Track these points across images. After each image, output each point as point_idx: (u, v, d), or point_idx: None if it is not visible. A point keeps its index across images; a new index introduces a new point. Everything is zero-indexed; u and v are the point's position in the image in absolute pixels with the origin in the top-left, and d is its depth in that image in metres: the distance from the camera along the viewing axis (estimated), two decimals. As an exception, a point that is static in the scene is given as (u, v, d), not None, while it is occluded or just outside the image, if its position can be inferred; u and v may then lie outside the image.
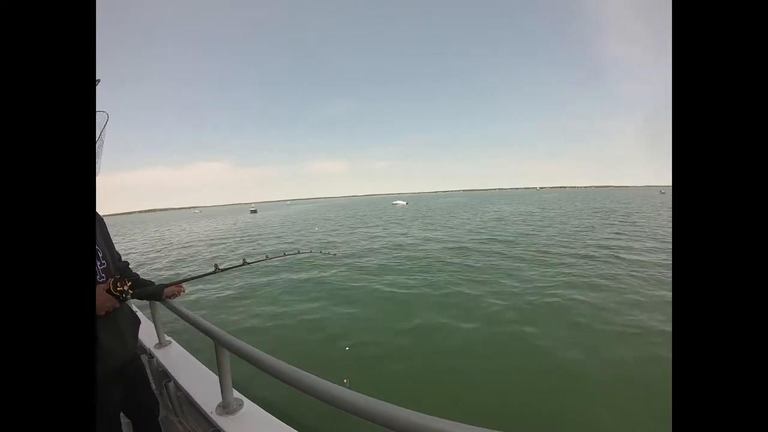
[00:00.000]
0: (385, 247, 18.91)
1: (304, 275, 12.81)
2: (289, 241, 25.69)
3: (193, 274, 2.44)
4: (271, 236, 29.56)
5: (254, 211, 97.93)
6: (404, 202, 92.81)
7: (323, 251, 3.68)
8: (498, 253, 16.07)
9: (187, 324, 2.12)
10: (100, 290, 1.58)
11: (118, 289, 1.62)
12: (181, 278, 2.34)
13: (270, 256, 2.70)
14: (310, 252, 3.18)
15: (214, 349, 1.84)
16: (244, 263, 2.41)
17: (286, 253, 2.83)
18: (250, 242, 26.95)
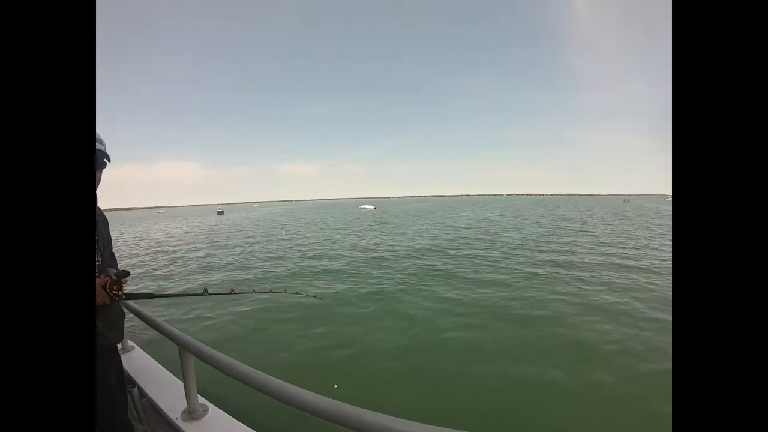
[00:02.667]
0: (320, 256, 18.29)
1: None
2: (254, 250, 22.08)
3: (183, 292, 2.43)
4: (231, 245, 25.13)
5: (221, 213, 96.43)
6: (372, 207, 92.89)
7: (309, 294, 3.60)
8: (432, 267, 14.75)
9: (150, 329, 2.10)
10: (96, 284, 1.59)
11: (113, 291, 1.64)
12: (170, 293, 2.34)
13: (257, 291, 2.70)
14: (296, 293, 3.14)
15: (178, 354, 1.82)
16: (232, 292, 2.41)
17: (273, 291, 2.83)
18: (202, 251, 22.65)
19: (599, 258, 16.20)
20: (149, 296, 2.07)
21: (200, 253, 21.26)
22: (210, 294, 2.32)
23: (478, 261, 15.68)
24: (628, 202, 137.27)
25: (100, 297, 1.62)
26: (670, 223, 38.60)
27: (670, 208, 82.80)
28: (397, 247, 20.38)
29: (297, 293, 3.21)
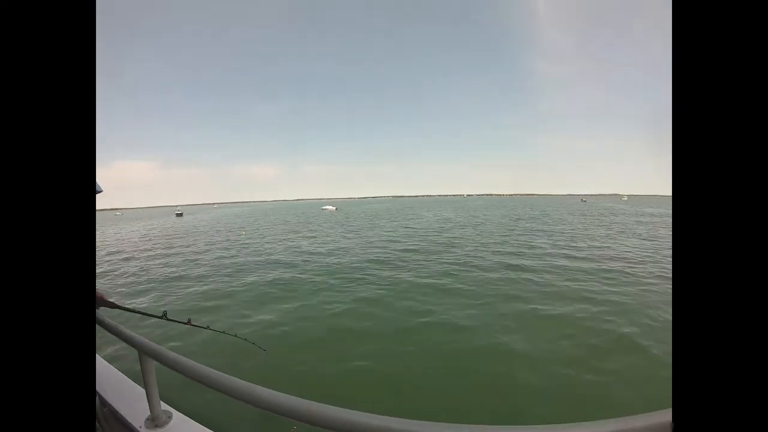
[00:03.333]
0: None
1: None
2: (217, 255, 20.93)
3: (140, 308, 2.42)
4: (190, 251, 23.33)
5: (180, 215, 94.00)
6: (334, 208, 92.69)
7: (250, 340, 3.23)
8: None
9: (108, 335, 2.05)
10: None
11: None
12: (125, 306, 2.33)
13: (212, 328, 2.67)
14: (235, 335, 2.95)
15: (138, 360, 1.76)
16: (189, 323, 2.41)
17: (226, 332, 2.80)
18: (160, 258, 21.00)
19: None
20: (111, 305, 2.05)
21: (158, 261, 19.94)
22: (168, 319, 2.40)
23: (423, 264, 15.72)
24: (585, 201, 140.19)
25: None
26: (619, 219, 39.73)
27: (623, 206, 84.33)
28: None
29: (245, 339, 3.07)
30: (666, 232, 26.48)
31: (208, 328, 2.65)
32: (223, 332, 2.78)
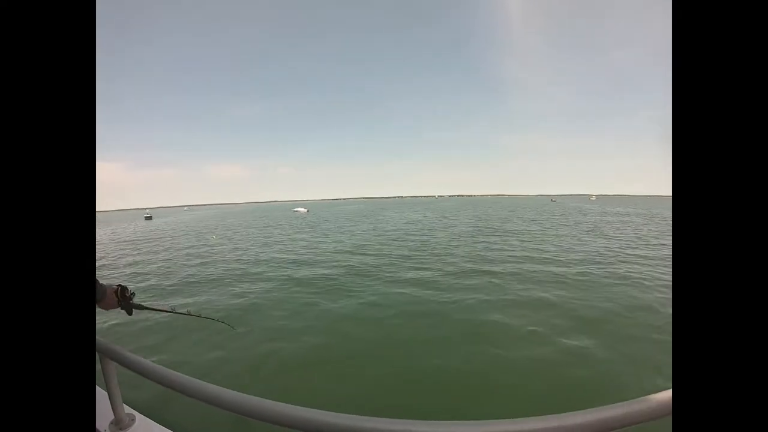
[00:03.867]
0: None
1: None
2: (185, 261, 18.59)
3: (149, 304, 2.37)
4: (159, 260, 19.86)
5: (149, 218, 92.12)
6: (305, 210, 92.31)
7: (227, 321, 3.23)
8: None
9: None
10: (110, 291, 1.75)
11: (126, 295, 1.71)
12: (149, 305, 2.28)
13: (193, 313, 2.63)
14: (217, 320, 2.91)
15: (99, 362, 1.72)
16: (173, 311, 2.38)
17: (202, 315, 2.76)
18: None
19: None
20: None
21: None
22: (192, 315, 2.43)
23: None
24: (555, 201, 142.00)
25: (112, 305, 1.78)
26: (585, 218, 40.03)
27: (591, 206, 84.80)
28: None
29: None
30: (612, 230, 27.10)
31: (188, 313, 2.61)
32: (199, 315, 2.72)
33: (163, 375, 1.32)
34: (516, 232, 25.87)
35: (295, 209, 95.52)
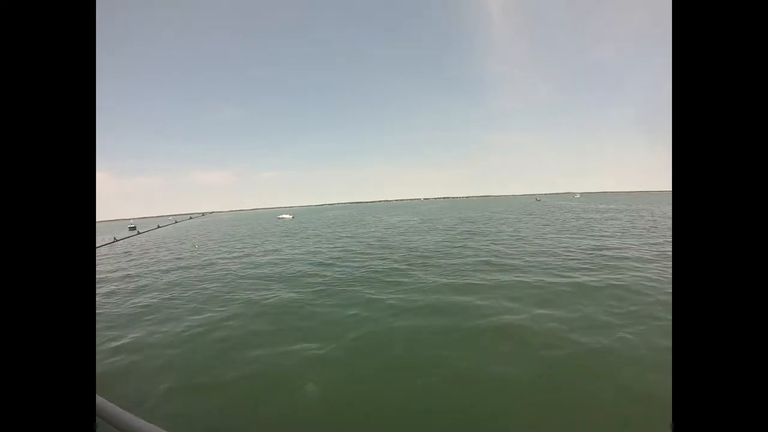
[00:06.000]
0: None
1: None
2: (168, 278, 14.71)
3: None
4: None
5: (133, 228, 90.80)
6: (290, 216, 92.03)
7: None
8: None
9: None
10: None
11: None
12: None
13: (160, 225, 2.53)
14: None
15: None
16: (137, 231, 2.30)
17: (177, 220, 2.67)
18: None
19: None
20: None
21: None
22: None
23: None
24: (539, 200, 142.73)
25: None
26: (569, 215, 39.90)
27: (575, 203, 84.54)
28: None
29: None
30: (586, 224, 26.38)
31: (157, 227, 2.52)
32: (175, 221, 2.59)
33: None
34: (491, 234, 24.74)
35: (281, 216, 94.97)
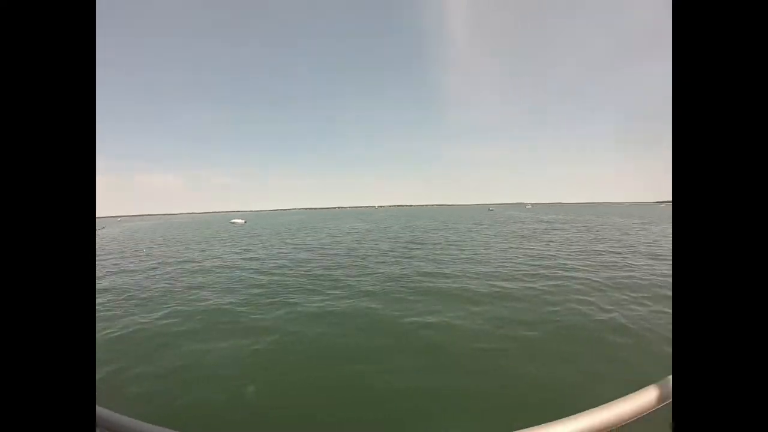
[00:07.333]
0: None
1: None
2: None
3: None
4: None
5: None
6: (243, 221, 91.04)
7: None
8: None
9: None
10: None
11: None
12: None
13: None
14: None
15: None
16: None
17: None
18: None
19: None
20: None
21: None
22: None
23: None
24: (492, 210, 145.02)
25: None
26: (515, 226, 40.94)
27: (527, 214, 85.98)
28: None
29: None
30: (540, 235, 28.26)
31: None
32: None
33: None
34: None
35: (233, 221, 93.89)
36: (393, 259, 18.28)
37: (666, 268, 14.49)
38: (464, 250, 21.52)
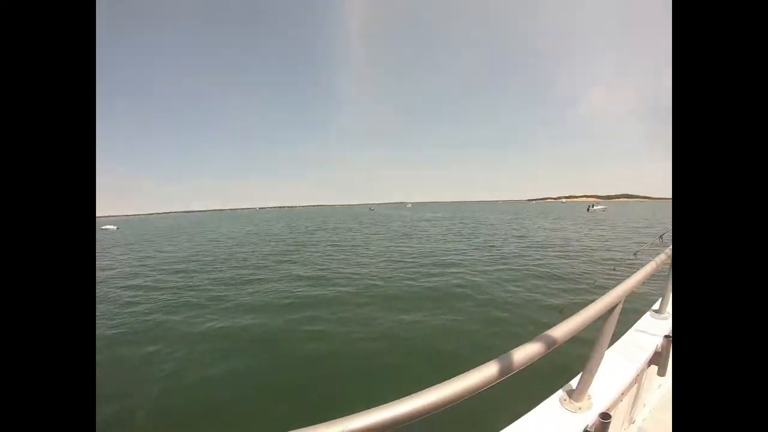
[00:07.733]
0: None
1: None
2: None
3: None
4: None
5: None
6: (114, 227, 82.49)
7: None
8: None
9: None
10: None
11: None
12: None
13: None
14: None
15: None
16: None
17: None
18: None
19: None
20: None
21: None
22: None
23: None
24: (373, 210, 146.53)
25: None
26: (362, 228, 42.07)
27: (405, 212, 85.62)
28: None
29: None
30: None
31: None
32: None
33: None
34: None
35: (104, 227, 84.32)
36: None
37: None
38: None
